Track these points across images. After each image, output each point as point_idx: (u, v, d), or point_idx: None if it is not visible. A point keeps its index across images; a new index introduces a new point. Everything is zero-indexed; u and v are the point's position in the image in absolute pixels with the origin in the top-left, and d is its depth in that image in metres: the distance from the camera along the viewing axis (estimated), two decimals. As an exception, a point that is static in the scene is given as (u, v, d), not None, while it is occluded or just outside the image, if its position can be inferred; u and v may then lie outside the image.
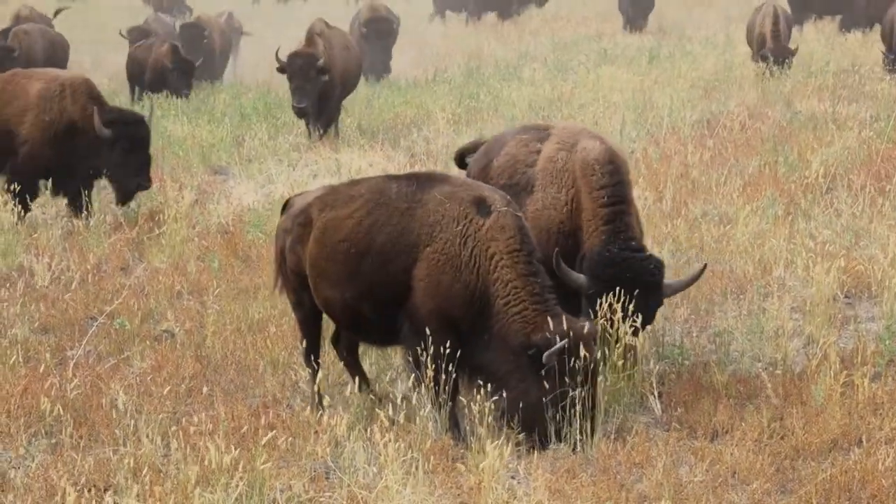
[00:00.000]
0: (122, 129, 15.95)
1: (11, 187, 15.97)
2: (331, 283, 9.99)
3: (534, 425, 9.37)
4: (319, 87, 21.16)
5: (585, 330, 9.42)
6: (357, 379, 10.20)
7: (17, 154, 16.04)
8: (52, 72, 17.14)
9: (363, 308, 9.90)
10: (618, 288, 10.01)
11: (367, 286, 9.82)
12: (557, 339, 9.22)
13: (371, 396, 10.16)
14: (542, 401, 9.28)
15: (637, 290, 10.05)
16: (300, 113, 21.33)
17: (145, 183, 16.34)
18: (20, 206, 15.83)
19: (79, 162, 16.05)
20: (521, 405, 9.33)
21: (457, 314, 9.54)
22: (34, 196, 16.25)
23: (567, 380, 9.24)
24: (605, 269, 10.20)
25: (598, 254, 10.28)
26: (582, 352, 9.23)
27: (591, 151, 10.59)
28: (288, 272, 10.41)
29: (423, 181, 9.93)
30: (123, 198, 16.44)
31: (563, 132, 11.01)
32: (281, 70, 21.45)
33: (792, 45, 26.12)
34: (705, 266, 10.75)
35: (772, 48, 25.62)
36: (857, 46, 29.15)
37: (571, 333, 9.27)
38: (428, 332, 9.47)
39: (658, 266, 10.33)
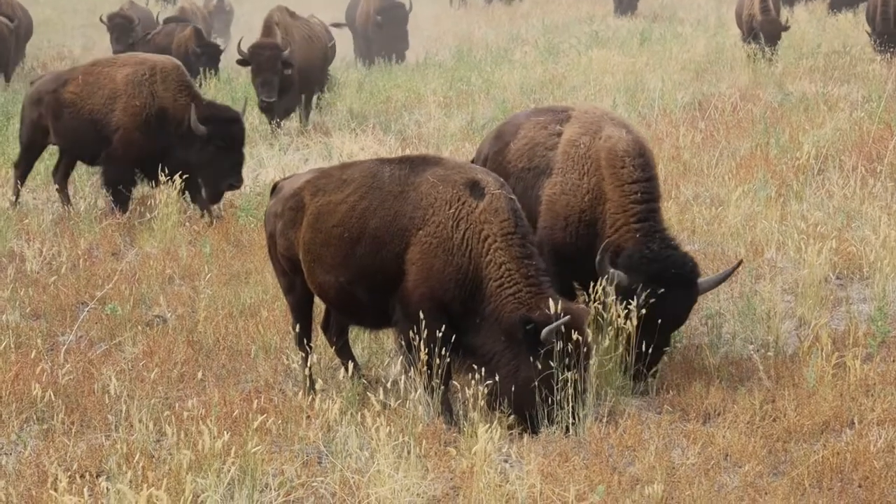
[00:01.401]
0: (218, 127, 15.39)
1: (107, 181, 15.78)
2: (325, 268, 9.98)
3: (526, 406, 9.37)
4: (283, 81, 20.28)
5: (580, 310, 9.43)
6: (349, 364, 10.21)
7: (109, 143, 15.62)
8: (137, 56, 16.63)
9: (358, 292, 9.90)
10: (658, 286, 9.97)
11: (361, 270, 9.82)
12: (553, 318, 9.22)
13: (363, 381, 10.16)
14: (534, 381, 9.29)
15: (677, 288, 10.03)
16: (268, 108, 20.31)
17: (237, 183, 15.70)
18: (118, 203, 15.67)
19: (171, 151, 15.52)
20: (512, 386, 9.34)
21: (448, 297, 9.54)
22: (131, 188, 15.87)
23: (561, 360, 9.24)
24: (647, 266, 10.13)
25: (638, 252, 10.20)
26: (576, 334, 9.24)
27: (619, 141, 10.50)
28: (279, 256, 10.40)
29: (416, 164, 9.92)
30: (212, 198, 15.74)
31: (584, 115, 10.91)
32: (243, 63, 20.53)
33: (783, 21, 26.12)
34: (740, 262, 10.73)
35: (761, 22, 25.55)
36: (849, 27, 29.12)
37: (568, 314, 9.26)
38: (420, 315, 9.46)
39: (695, 264, 10.31)
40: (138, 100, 15.60)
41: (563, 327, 9.21)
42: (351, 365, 9.89)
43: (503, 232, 9.56)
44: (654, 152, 10.91)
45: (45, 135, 16.19)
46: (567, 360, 9.25)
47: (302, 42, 21.23)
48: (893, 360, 10.56)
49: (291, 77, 20.30)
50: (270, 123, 20.58)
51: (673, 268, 10.13)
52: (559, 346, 9.21)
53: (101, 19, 29.35)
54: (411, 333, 9.53)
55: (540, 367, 9.26)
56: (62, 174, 16.50)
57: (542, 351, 9.25)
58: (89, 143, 15.77)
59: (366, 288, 9.87)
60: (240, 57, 20.42)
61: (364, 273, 9.83)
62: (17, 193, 16.60)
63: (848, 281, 12.76)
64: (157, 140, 15.54)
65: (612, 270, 10.08)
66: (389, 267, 9.70)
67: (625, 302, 9.98)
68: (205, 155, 15.40)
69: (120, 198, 15.74)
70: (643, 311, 9.92)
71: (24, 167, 16.62)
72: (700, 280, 10.30)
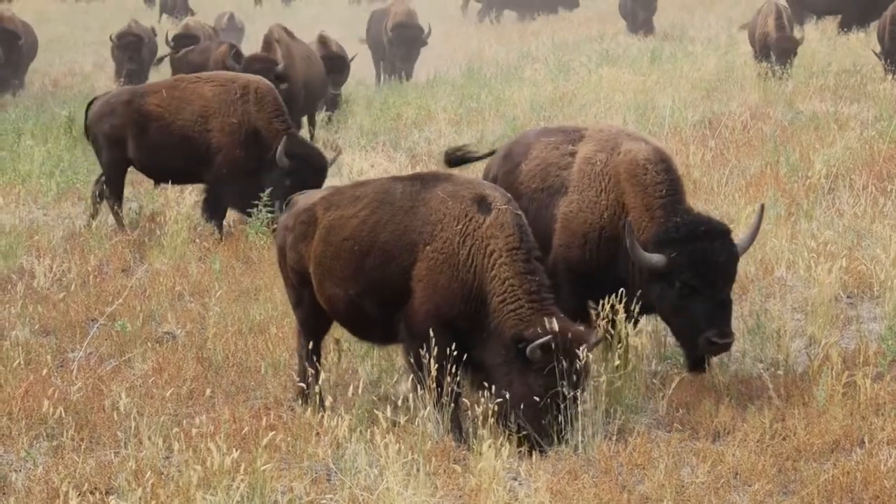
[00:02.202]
0: (301, 166, 15.13)
1: (207, 204, 15.63)
2: (335, 281, 10.03)
3: (525, 422, 9.34)
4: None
5: (578, 331, 9.40)
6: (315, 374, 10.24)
7: (211, 163, 15.39)
8: (224, 74, 16.51)
9: (366, 305, 9.94)
10: (695, 244, 9.98)
11: (370, 283, 9.87)
12: (546, 335, 9.22)
13: (373, 398, 10.16)
14: (530, 397, 9.27)
15: (714, 240, 10.04)
16: None
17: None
18: (215, 223, 15.58)
19: (260, 171, 15.29)
20: (510, 401, 9.32)
21: (454, 313, 9.56)
22: (225, 210, 15.75)
23: (554, 378, 9.21)
24: (677, 231, 10.11)
25: (664, 228, 10.20)
26: (572, 352, 9.22)
27: (640, 152, 10.52)
28: (288, 270, 10.44)
29: (427, 181, 9.99)
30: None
31: (599, 134, 10.93)
32: None
33: (797, 36, 26.18)
34: (763, 207, 10.68)
35: (777, 38, 25.60)
36: (860, 46, 29.10)
37: (561, 332, 9.25)
38: (426, 332, 9.48)
39: (722, 221, 10.32)
40: (234, 118, 15.38)
41: (555, 345, 9.19)
42: (315, 375, 10.03)
43: (508, 247, 9.58)
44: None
45: (123, 148, 15.82)
46: (563, 377, 9.22)
47: (301, 61, 20.99)
48: (904, 380, 10.53)
49: (290, 94, 19.50)
50: None
51: (702, 225, 10.13)
52: (550, 364, 9.18)
53: (110, 38, 29.18)
54: (420, 350, 9.53)
55: (534, 383, 9.24)
56: (101, 190, 16.15)
57: (533, 368, 9.23)
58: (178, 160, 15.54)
59: (374, 301, 9.90)
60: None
61: (373, 286, 9.87)
62: (121, 223, 15.99)
63: (858, 300, 12.74)
64: (252, 159, 15.33)
65: (645, 254, 10.07)
66: (397, 281, 9.73)
67: (666, 286, 10.01)
68: (278, 184, 15.01)
69: (217, 217, 15.62)
70: (691, 278, 9.93)
71: (114, 190, 16.06)
72: (737, 243, 10.27)
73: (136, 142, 15.68)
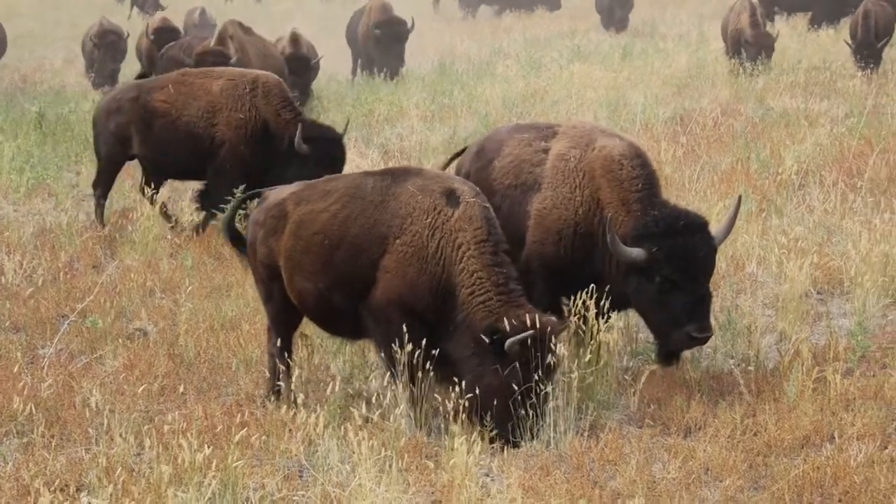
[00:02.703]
0: (321, 147, 15.03)
1: (204, 195, 15.45)
2: (305, 275, 10.05)
3: (495, 415, 9.36)
4: None
5: (550, 323, 9.43)
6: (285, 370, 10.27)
7: (215, 157, 15.20)
8: (233, 70, 16.27)
9: (336, 299, 9.95)
10: (674, 238, 10.02)
11: (339, 277, 9.90)
12: (521, 328, 9.25)
13: (347, 392, 10.17)
14: (502, 390, 9.29)
15: (693, 234, 10.07)
16: None
17: None
18: (206, 214, 15.39)
19: (270, 168, 15.15)
20: (481, 395, 9.33)
21: (421, 306, 9.59)
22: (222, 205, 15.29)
23: (528, 371, 9.25)
24: (656, 224, 10.14)
25: (642, 222, 10.22)
26: (545, 344, 9.26)
27: (615, 148, 10.53)
28: (258, 265, 10.45)
29: (397, 175, 10.04)
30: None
31: (573, 130, 10.94)
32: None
33: (772, 32, 26.33)
34: (739, 199, 10.68)
35: (753, 35, 25.72)
36: (829, 43, 29.24)
37: (536, 324, 9.29)
38: (391, 320, 9.54)
39: (700, 214, 10.32)
40: (241, 113, 15.22)
41: (530, 339, 9.23)
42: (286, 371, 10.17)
43: (476, 240, 9.62)
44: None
45: (127, 146, 15.67)
46: (536, 369, 9.24)
47: (256, 59, 20.40)
48: (873, 375, 10.60)
49: None
50: None
51: (681, 219, 10.16)
52: (529, 355, 9.22)
53: (90, 39, 28.73)
54: (392, 341, 9.55)
55: (507, 376, 9.26)
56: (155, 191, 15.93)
57: (507, 361, 9.26)
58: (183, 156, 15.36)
59: (344, 295, 9.92)
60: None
61: (342, 280, 9.89)
62: (101, 217, 15.91)
63: (828, 296, 12.80)
64: (260, 156, 15.16)
65: (626, 249, 10.10)
66: (367, 274, 9.78)
67: (645, 281, 10.04)
68: (303, 174, 14.28)
69: (217, 212, 15.34)
70: (672, 273, 9.97)
71: (104, 184, 15.97)
72: (716, 236, 10.29)
73: (142, 138, 15.52)
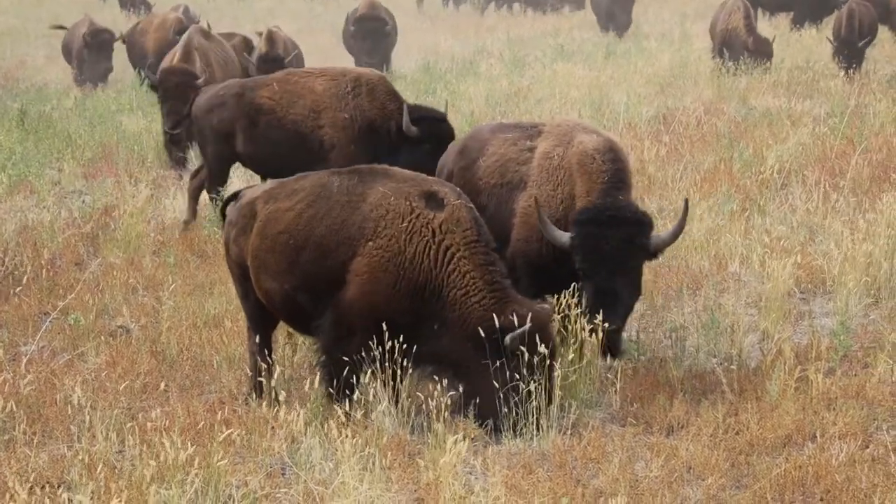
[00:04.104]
0: (429, 128, 14.64)
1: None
2: (271, 275, 10.02)
3: (492, 412, 9.39)
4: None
5: (545, 314, 9.49)
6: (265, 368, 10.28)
7: (325, 159, 14.73)
8: (335, 68, 15.87)
9: (302, 300, 9.92)
10: (591, 227, 10.03)
11: (305, 278, 9.86)
12: (519, 324, 9.29)
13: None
14: (500, 387, 9.32)
15: (613, 227, 10.05)
16: (174, 139, 18.35)
17: None
18: None
19: (380, 160, 14.29)
20: (480, 392, 9.34)
21: (393, 309, 9.55)
22: None
23: (528, 365, 9.29)
24: (582, 213, 10.20)
25: (583, 207, 10.30)
26: (543, 336, 9.32)
27: (590, 143, 10.55)
28: (232, 264, 10.43)
29: (364, 175, 9.97)
30: None
31: (557, 129, 10.97)
32: (155, 87, 18.53)
33: (769, 37, 26.43)
34: (687, 202, 10.62)
35: (752, 42, 25.79)
36: (812, 43, 29.32)
37: (532, 318, 9.33)
38: (357, 326, 9.56)
39: (645, 214, 10.28)
40: (346, 112, 14.92)
41: (531, 329, 9.29)
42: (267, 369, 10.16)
43: (466, 241, 9.61)
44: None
45: (231, 142, 15.33)
46: (535, 363, 9.28)
47: (220, 67, 19.66)
48: (855, 374, 10.62)
49: None
50: (172, 157, 18.81)
51: (609, 210, 10.15)
52: (528, 349, 9.25)
53: (84, 38, 28.42)
54: (339, 343, 9.63)
55: (508, 371, 9.29)
56: (201, 186, 15.85)
57: (507, 357, 9.29)
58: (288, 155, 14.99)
59: (309, 295, 9.88)
60: (150, 81, 18.72)
61: (308, 280, 9.85)
62: (192, 212, 15.77)
63: (811, 295, 12.83)
64: (367, 153, 14.75)
65: (556, 232, 10.19)
66: (334, 275, 9.72)
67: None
68: (413, 157, 14.28)
69: None
70: (581, 261, 10.05)
71: (219, 183, 15.59)
72: (655, 234, 10.24)
73: (246, 135, 15.24)
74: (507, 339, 9.29)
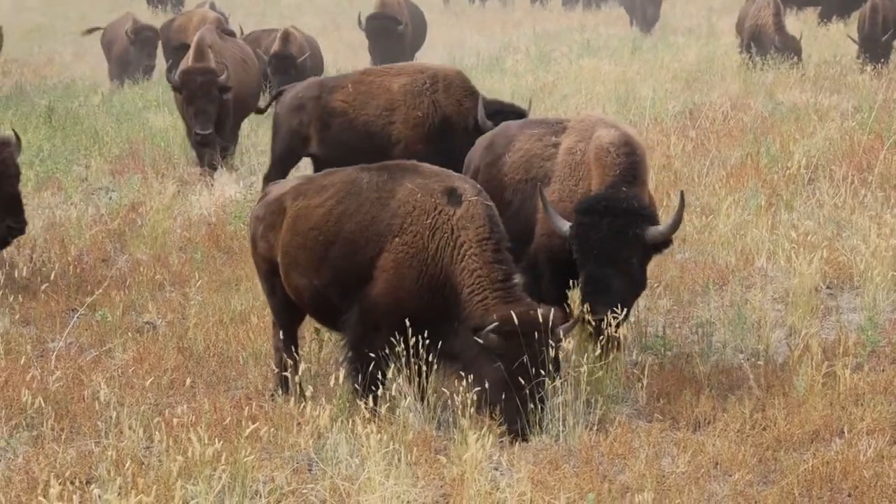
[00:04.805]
0: (505, 120, 14.12)
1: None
2: (301, 271, 10.03)
3: (494, 409, 9.34)
4: (219, 110, 18.03)
5: (546, 316, 9.35)
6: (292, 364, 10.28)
7: (390, 156, 14.49)
8: (413, 65, 15.85)
9: (331, 295, 9.93)
10: (584, 221, 10.01)
11: (335, 274, 9.87)
12: (502, 323, 9.24)
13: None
14: (498, 385, 9.26)
15: (604, 223, 10.00)
16: (204, 141, 17.96)
17: None
18: None
19: (447, 160, 14.26)
20: (490, 392, 9.32)
21: (417, 306, 9.55)
22: None
23: (519, 365, 9.22)
24: (581, 203, 10.20)
25: (582, 198, 10.32)
26: (541, 337, 9.23)
27: (607, 137, 10.52)
28: (259, 260, 10.44)
29: (394, 171, 9.97)
30: None
31: (580, 124, 10.97)
32: (177, 89, 18.20)
33: (796, 35, 26.32)
34: (683, 194, 10.54)
35: (779, 39, 25.71)
36: (840, 37, 29.18)
37: (518, 317, 9.25)
38: (383, 322, 9.56)
39: (642, 204, 10.18)
40: (419, 110, 14.80)
41: (514, 329, 9.18)
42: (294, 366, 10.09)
43: (478, 238, 9.58)
44: (645, 148, 10.86)
45: (305, 144, 15.34)
46: (524, 363, 9.22)
47: (236, 66, 19.26)
48: (883, 370, 10.58)
49: (228, 105, 18.29)
50: (204, 163, 18.38)
51: (605, 201, 10.12)
52: (517, 349, 9.19)
53: (127, 34, 28.34)
54: (365, 340, 9.64)
55: (499, 370, 9.25)
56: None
57: (498, 355, 9.25)
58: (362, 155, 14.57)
59: (339, 292, 9.88)
60: (172, 84, 18.32)
61: (338, 276, 9.86)
62: None
63: (838, 290, 12.78)
64: (438, 152, 14.52)
65: (558, 220, 10.18)
66: (363, 272, 9.72)
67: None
68: None
69: None
70: (575, 249, 10.07)
71: (276, 178, 15.11)
72: (653, 227, 10.17)
73: (320, 137, 15.20)
74: (481, 335, 9.27)
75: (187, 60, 18.29)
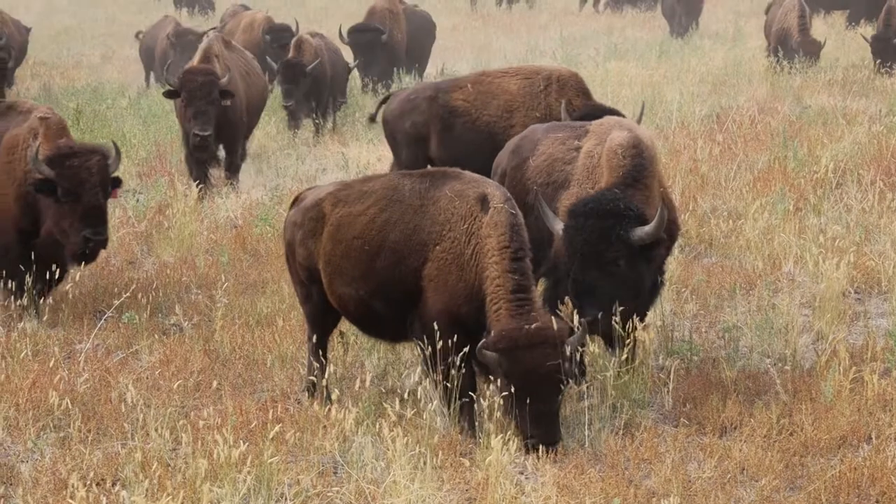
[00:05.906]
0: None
1: None
2: (345, 280, 9.98)
3: (518, 423, 9.24)
4: (220, 114, 17.44)
5: (536, 331, 9.23)
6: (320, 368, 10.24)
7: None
8: (529, 66, 15.54)
9: (377, 305, 9.89)
10: (569, 224, 9.98)
11: (380, 283, 9.82)
12: (496, 340, 9.19)
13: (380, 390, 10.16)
14: (507, 399, 9.16)
15: (588, 225, 9.92)
16: (202, 144, 17.28)
17: None
18: None
19: None
20: (508, 395, 9.26)
21: (462, 312, 9.52)
22: None
23: (517, 380, 9.13)
24: (573, 206, 10.16)
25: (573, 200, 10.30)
26: (543, 352, 9.15)
27: (617, 139, 10.48)
28: (297, 266, 10.41)
29: (436, 178, 9.92)
30: None
31: (600, 128, 10.95)
32: (172, 94, 17.68)
33: (820, 39, 26.25)
34: (665, 190, 10.49)
35: (801, 42, 25.68)
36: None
37: (514, 333, 9.18)
38: (444, 331, 9.46)
39: (629, 205, 10.04)
40: (538, 112, 14.57)
41: (508, 348, 9.12)
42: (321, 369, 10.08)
43: (499, 246, 9.51)
44: (656, 149, 10.77)
45: (425, 147, 15.13)
46: (523, 377, 9.14)
47: (242, 77, 18.65)
48: (911, 376, 10.53)
49: (233, 113, 17.76)
50: (194, 170, 17.78)
51: (591, 203, 10.04)
52: (516, 362, 9.12)
53: (168, 38, 28.29)
54: (434, 349, 9.50)
55: (504, 383, 9.17)
56: None
57: (500, 368, 9.17)
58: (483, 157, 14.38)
59: (385, 301, 9.86)
60: (170, 87, 17.85)
61: (383, 286, 9.82)
62: None
63: (866, 295, 12.73)
64: None
65: (555, 222, 10.15)
66: (408, 281, 9.69)
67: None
68: None
69: None
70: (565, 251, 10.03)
71: None
72: (637, 228, 9.98)
73: (440, 138, 15.06)
74: (476, 351, 9.24)
75: (191, 63, 18.10)
